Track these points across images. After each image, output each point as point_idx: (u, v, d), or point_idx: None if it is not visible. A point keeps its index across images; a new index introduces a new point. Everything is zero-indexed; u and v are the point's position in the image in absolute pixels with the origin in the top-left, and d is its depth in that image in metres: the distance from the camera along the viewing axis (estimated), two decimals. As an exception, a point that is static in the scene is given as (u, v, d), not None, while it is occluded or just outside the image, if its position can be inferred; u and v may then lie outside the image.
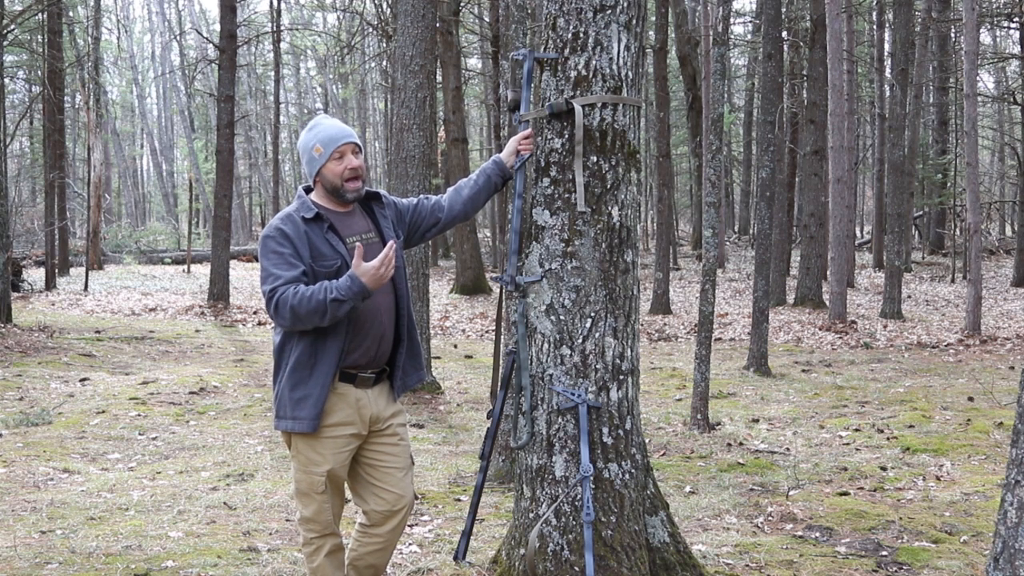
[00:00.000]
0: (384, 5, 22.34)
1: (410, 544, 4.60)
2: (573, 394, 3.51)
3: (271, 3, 28.73)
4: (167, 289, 20.04)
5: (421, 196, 3.69)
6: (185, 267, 25.50)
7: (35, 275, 20.48)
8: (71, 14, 24.45)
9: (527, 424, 3.58)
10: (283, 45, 34.59)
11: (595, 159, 3.53)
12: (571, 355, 3.54)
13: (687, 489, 5.73)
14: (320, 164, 3.29)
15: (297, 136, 49.45)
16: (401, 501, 3.40)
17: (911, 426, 7.40)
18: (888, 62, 23.49)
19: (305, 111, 48.48)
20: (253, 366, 10.49)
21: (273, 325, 3.34)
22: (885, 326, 14.60)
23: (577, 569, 3.44)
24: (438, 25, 15.09)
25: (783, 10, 14.28)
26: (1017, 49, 27.90)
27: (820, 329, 14.20)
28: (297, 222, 3.24)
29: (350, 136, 3.31)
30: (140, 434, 7.18)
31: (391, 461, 3.40)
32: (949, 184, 26.47)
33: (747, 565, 4.33)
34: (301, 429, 3.24)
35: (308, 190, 3.43)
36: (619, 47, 3.52)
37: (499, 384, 3.76)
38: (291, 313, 3.10)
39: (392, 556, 3.82)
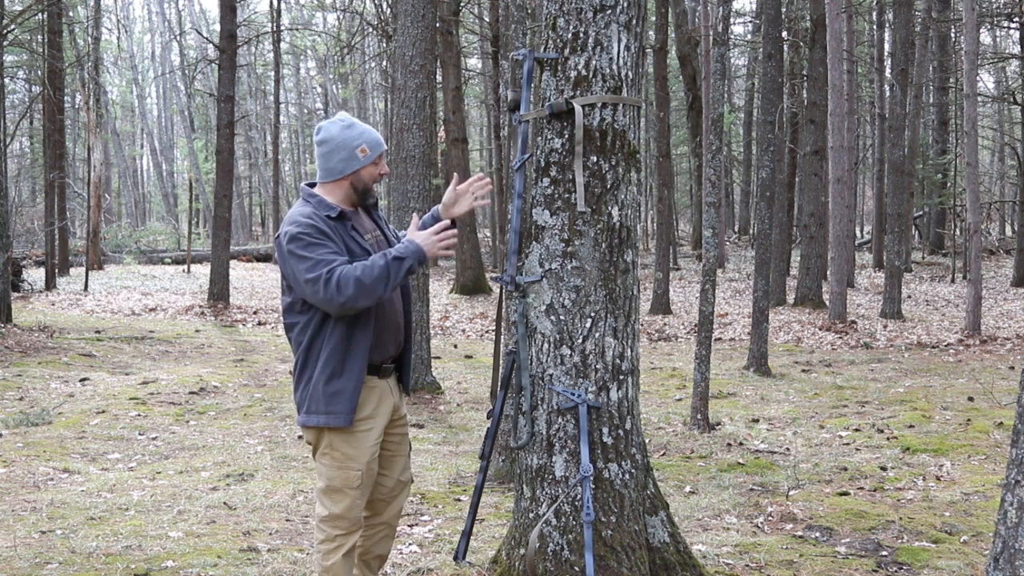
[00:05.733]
0: (384, 5, 22.34)
1: (410, 544, 4.60)
2: (573, 394, 3.51)
3: (271, 3, 28.72)
4: (167, 289, 20.04)
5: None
6: (185, 267, 25.49)
7: (35, 275, 20.47)
8: (71, 14, 24.44)
9: (527, 424, 3.59)
10: (283, 45, 34.59)
11: (595, 159, 3.53)
12: (571, 355, 3.54)
13: (687, 489, 5.73)
14: (361, 165, 3.34)
15: (297, 136, 49.46)
16: (403, 486, 3.56)
17: (911, 426, 7.40)
18: (888, 62, 23.49)
19: (305, 111, 48.47)
20: (253, 366, 10.49)
21: (290, 323, 3.34)
22: (885, 326, 14.59)
23: (577, 569, 3.44)
24: (438, 25, 15.09)
25: (783, 10, 14.27)
26: (1017, 49, 27.90)
27: (820, 329, 14.19)
28: (322, 220, 3.26)
29: (385, 144, 3.43)
30: (140, 434, 7.18)
31: (398, 449, 3.53)
32: (949, 184, 26.46)
33: (747, 565, 4.33)
34: (336, 424, 3.26)
35: (311, 186, 3.44)
36: (619, 47, 3.52)
37: (499, 384, 3.77)
38: (356, 285, 3.12)
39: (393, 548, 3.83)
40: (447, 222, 3.37)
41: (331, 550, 3.34)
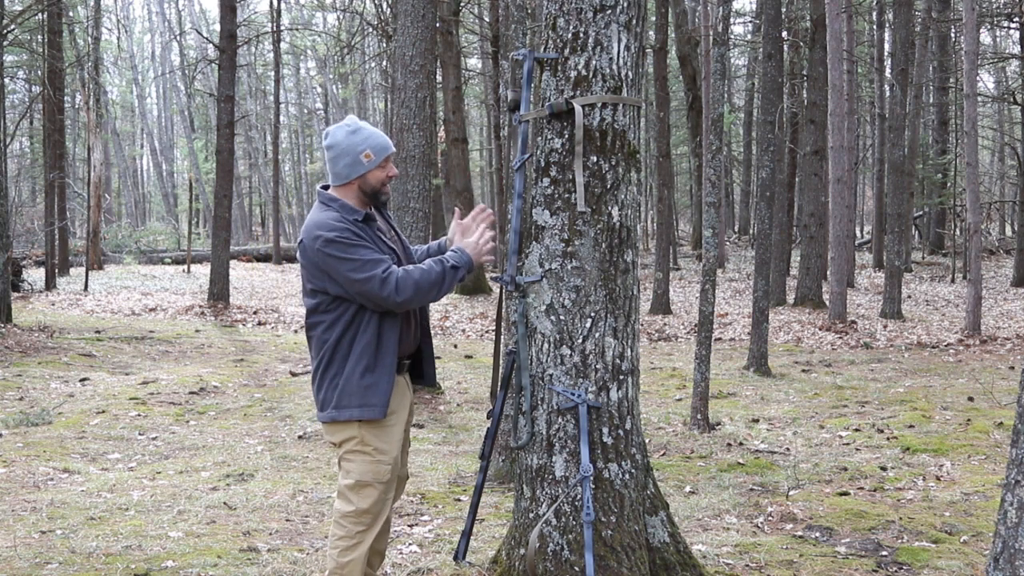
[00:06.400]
0: (384, 5, 22.34)
1: (410, 544, 4.60)
2: (573, 394, 3.51)
3: (271, 3, 28.72)
4: (167, 289, 20.04)
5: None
6: (185, 267, 25.49)
7: (35, 275, 20.46)
8: (71, 14, 24.43)
9: (527, 424, 3.59)
10: (283, 45, 34.58)
11: (595, 159, 3.53)
12: (571, 355, 3.54)
13: (687, 489, 5.73)
14: (366, 169, 3.39)
15: (297, 136, 49.43)
16: (403, 481, 3.64)
17: (911, 426, 7.40)
18: (888, 62, 23.48)
19: (305, 111, 48.46)
20: (253, 366, 10.48)
21: (313, 323, 3.37)
22: (885, 326, 14.59)
23: (577, 569, 3.44)
24: (438, 25, 15.09)
25: (783, 10, 14.27)
26: (1017, 49, 27.90)
27: (820, 329, 14.19)
28: (353, 223, 3.33)
29: (393, 147, 3.48)
30: (140, 434, 7.18)
31: (404, 444, 3.58)
32: (949, 184, 26.46)
33: (747, 565, 4.33)
34: (372, 416, 3.32)
35: (326, 188, 3.47)
36: (619, 47, 3.52)
37: (499, 384, 3.77)
38: (414, 288, 3.25)
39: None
40: (482, 206, 3.58)
41: (350, 547, 3.38)
